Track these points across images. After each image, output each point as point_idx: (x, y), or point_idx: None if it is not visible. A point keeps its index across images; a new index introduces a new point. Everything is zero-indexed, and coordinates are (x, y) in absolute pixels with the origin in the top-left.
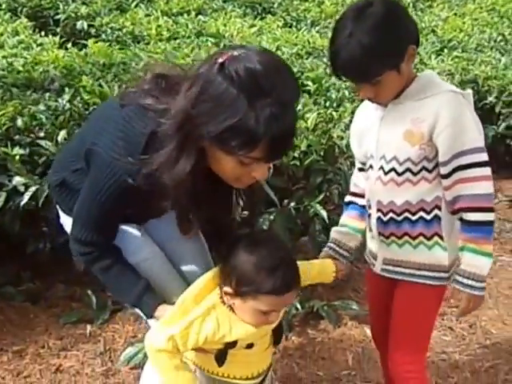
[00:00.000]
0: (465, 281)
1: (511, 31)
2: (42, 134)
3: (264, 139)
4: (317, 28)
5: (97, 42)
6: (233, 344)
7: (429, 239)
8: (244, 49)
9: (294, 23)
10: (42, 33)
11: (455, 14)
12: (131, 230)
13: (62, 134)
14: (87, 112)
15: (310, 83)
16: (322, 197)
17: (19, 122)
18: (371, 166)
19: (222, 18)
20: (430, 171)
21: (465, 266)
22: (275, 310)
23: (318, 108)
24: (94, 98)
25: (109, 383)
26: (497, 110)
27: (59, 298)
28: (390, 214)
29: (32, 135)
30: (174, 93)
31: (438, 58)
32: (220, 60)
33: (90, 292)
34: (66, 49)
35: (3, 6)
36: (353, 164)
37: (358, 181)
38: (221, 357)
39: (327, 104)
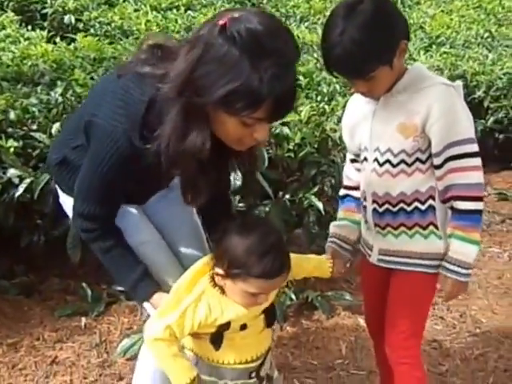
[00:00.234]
0: (452, 267)
1: (498, 28)
2: (34, 127)
3: (267, 99)
4: (306, 24)
5: (86, 37)
6: (226, 326)
7: (424, 228)
8: (243, 11)
9: (283, 19)
10: (29, 27)
11: (442, 11)
12: (130, 211)
13: (56, 126)
14: (80, 105)
15: (301, 78)
16: (316, 189)
17: (12, 115)
18: (365, 159)
19: (211, 14)
20: (423, 162)
21: (452, 253)
22: (264, 293)
23: (310, 102)
24: (86, 91)
25: (105, 374)
26: (485, 104)
27: (53, 291)
28: (386, 205)
29: (25, 128)
30: (171, 60)
31: (426, 53)
32: (221, 22)
33: (84, 285)
34: (55, 43)
35: None
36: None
37: (350, 173)
38: (216, 340)
39: (318, 98)
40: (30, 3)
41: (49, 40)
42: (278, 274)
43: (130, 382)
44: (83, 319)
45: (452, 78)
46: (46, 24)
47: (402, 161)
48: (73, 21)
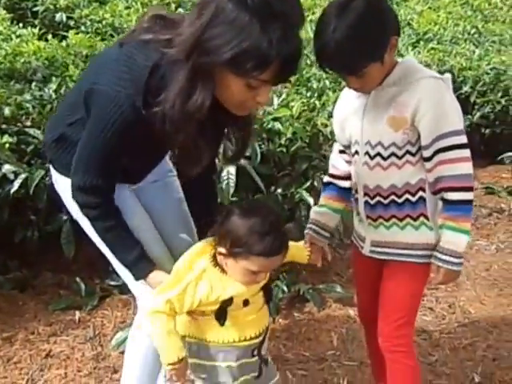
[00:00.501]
0: (444, 257)
1: (484, 24)
2: (28, 123)
3: (275, 61)
4: None
5: (77, 34)
6: (229, 301)
7: (415, 220)
8: None
9: None
10: (20, 25)
11: (430, 8)
12: (125, 194)
13: None
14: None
15: None
16: (308, 184)
17: (6, 111)
18: (357, 152)
19: None
20: (413, 154)
21: (444, 243)
22: (264, 270)
23: (300, 97)
24: None
25: (99, 367)
26: (472, 99)
27: (47, 286)
28: (377, 198)
29: (19, 124)
30: (175, 28)
31: (414, 49)
32: None
33: (78, 279)
34: (46, 40)
35: None
36: None
37: (337, 163)
38: (221, 316)
39: (308, 94)
40: (22, 1)
41: (40, 37)
42: (278, 252)
43: None
44: (77, 313)
45: (440, 74)
46: (37, 22)
47: (393, 153)
48: (64, 18)
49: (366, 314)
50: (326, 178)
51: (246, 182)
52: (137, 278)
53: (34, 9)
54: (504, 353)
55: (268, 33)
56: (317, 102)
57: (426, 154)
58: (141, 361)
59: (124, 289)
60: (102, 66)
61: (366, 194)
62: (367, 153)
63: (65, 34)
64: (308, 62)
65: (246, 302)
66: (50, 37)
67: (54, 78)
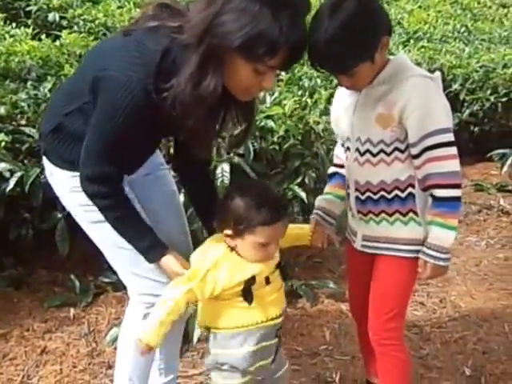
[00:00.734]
0: (431, 252)
1: (474, 23)
2: (23, 122)
3: (284, 47)
4: None
5: (70, 34)
6: (252, 280)
7: (404, 215)
8: None
9: None
10: (13, 24)
11: (420, 7)
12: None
13: None
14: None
15: (282, 73)
16: (299, 179)
17: (1, 110)
18: (348, 148)
19: None
20: (402, 151)
21: (431, 239)
22: (271, 241)
23: (293, 96)
24: None
25: (94, 363)
26: (461, 97)
27: (42, 283)
28: (367, 193)
29: (14, 123)
30: (182, 16)
31: (404, 48)
32: None
33: (72, 276)
34: (40, 40)
35: None
36: (329, 149)
37: (339, 152)
38: (248, 295)
39: (300, 93)
40: (15, 1)
41: (33, 37)
42: (278, 218)
43: None
44: (72, 310)
45: (430, 72)
46: (30, 21)
47: (382, 150)
48: (57, 18)
49: (358, 309)
50: (331, 169)
51: (240, 180)
52: (150, 262)
53: (27, 9)
54: (494, 346)
55: (278, 20)
56: (309, 100)
57: (414, 151)
58: (133, 355)
59: (118, 286)
60: (110, 53)
61: (356, 190)
62: (357, 149)
63: (58, 33)
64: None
65: (267, 280)
66: (43, 36)
67: (49, 77)
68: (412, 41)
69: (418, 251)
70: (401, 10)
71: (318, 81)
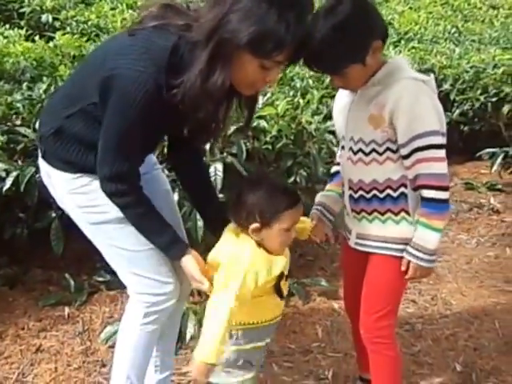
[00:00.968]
0: (414, 252)
1: (464, 24)
2: (18, 122)
3: (290, 44)
4: None
5: (64, 35)
6: (282, 275)
7: (396, 215)
8: None
9: None
10: (7, 26)
11: (411, 8)
12: None
13: None
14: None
15: None
16: (292, 179)
17: None
18: (343, 147)
19: None
20: (394, 152)
21: (415, 238)
22: (294, 223)
23: (285, 96)
24: None
25: (88, 361)
26: (451, 97)
27: (36, 282)
28: (360, 192)
29: (9, 123)
30: (187, 15)
31: (395, 48)
32: None
33: (67, 275)
34: (33, 41)
35: None
36: (321, 148)
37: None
38: (279, 290)
39: (291, 93)
40: (8, 2)
41: (27, 38)
42: (298, 199)
43: None
44: (66, 309)
45: (421, 72)
46: (23, 23)
47: (374, 150)
48: (50, 20)
49: (352, 306)
50: (334, 168)
51: (233, 179)
52: (172, 259)
53: (21, 10)
54: (485, 342)
55: (285, 19)
56: (301, 101)
57: (404, 152)
58: (131, 353)
59: (111, 285)
60: (118, 53)
61: (350, 188)
62: (351, 148)
63: (51, 35)
64: None
65: (286, 275)
66: (36, 38)
67: (44, 78)
68: (403, 41)
69: None
70: (391, 11)
71: (310, 81)
